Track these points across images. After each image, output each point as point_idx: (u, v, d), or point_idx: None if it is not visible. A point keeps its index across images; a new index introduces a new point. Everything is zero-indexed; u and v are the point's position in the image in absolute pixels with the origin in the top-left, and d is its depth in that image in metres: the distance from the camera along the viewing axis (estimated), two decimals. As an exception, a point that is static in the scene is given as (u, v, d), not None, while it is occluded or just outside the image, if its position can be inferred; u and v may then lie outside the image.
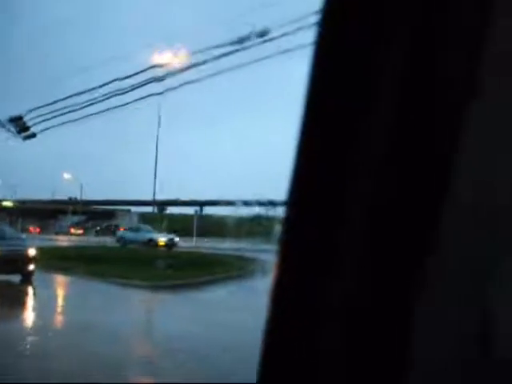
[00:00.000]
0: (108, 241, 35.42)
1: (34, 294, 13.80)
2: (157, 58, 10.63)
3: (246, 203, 40.44)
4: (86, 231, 56.27)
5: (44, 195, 69.63)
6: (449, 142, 0.59)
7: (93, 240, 38.48)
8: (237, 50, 6.65)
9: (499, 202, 0.60)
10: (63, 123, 9.17)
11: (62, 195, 69.01)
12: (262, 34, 6.60)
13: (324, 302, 0.64)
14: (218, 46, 6.92)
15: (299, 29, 6.09)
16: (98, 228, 57.41)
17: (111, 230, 54.38)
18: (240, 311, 10.53)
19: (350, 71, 0.62)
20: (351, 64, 0.62)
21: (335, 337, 0.64)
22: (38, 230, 56.25)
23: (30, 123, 9.66)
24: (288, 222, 0.67)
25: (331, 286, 0.63)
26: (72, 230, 57.60)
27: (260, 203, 42.07)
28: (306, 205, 0.66)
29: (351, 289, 0.63)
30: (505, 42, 0.58)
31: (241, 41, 6.56)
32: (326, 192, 0.64)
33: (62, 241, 35.62)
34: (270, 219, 43.38)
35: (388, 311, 0.62)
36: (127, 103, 8.26)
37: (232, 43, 6.74)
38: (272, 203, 42.44)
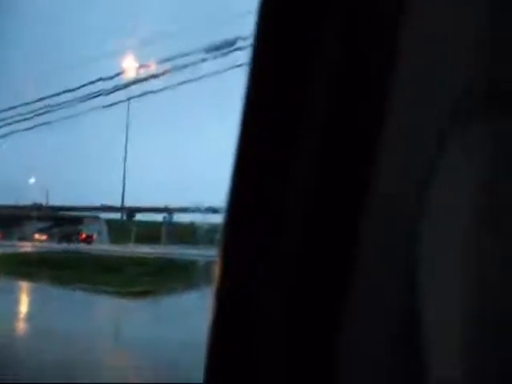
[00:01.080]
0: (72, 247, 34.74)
1: (6, 302, 13.50)
2: (125, 64, 10.61)
3: (215, 210, 40.14)
4: (52, 237, 55.15)
5: (8, 200, 67.56)
6: (371, 137, 0.61)
7: (56, 246, 37.68)
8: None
9: (421, 195, 0.60)
10: (27, 129, 9.08)
11: (26, 201, 67.10)
12: (232, 43, 6.70)
13: (263, 306, 0.66)
14: (186, 54, 6.99)
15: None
16: (61, 235, 56.48)
17: (75, 236, 53.80)
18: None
19: (284, 72, 0.64)
20: (285, 64, 0.64)
21: (275, 343, 0.65)
22: (0, 235, 54.66)
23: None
24: (227, 228, 0.68)
25: (271, 290, 0.65)
26: (36, 236, 56.32)
27: (199, 210, 41.68)
28: (244, 211, 0.67)
29: (289, 294, 0.65)
30: (421, 27, 0.60)
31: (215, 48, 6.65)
32: (263, 197, 0.65)
33: (26, 246, 34.72)
34: (208, 225, 42.99)
35: (317, 314, 0.64)
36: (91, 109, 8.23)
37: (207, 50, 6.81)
38: (211, 210, 41.92)
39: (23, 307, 13.18)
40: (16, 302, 13.65)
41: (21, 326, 9.95)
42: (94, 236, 54.06)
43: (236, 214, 0.67)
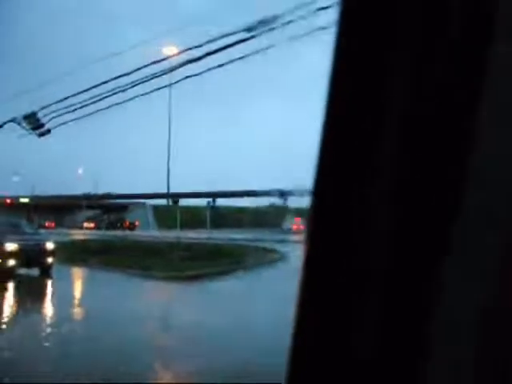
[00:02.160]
0: (119, 234, 35.97)
1: (59, 287, 14.06)
2: (170, 49, 10.71)
3: (260, 193, 40.57)
4: (100, 225, 57.29)
5: (60, 191, 70.44)
6: (463, 138, 0.59)
7: (104, 233, 39.10)
8: (252, 37, 6.63)
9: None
10: (76, 119, 9.32)
11: (77, 190, 69.76)
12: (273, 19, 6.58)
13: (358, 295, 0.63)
14: (231, 34, 6.93)
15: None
16: (109, 222, 58.80)
17: (119, 224, 55.99)
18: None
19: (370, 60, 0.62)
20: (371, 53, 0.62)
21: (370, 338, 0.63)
22: (52, 224, 57.39)
23: (44, 120, 9.84)
24: (313, 212, 0.66)
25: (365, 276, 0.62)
26: (85, 224, 59.12)
27: (272, 193, 42.16)
28: (330, 195, 0.65)
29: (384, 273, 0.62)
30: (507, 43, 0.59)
31: (255, 27, 6.55)
32: (350, 182, 0.63)
33: (76, 234, 36.09)
34: (282, 209, 43.48)
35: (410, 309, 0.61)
36: (141, 94, 8.34)
37: (247, 29, 6.72)
38: (284, 193, 42.56)
39: (79, 292, 13.67)
40: (73, 287, 14.20)
41: (79, 310, 10.35)
42: (137, 223, 56.04)
43: (322, 199, 0.66)
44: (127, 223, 56.19)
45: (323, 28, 5.92)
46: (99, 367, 5.99)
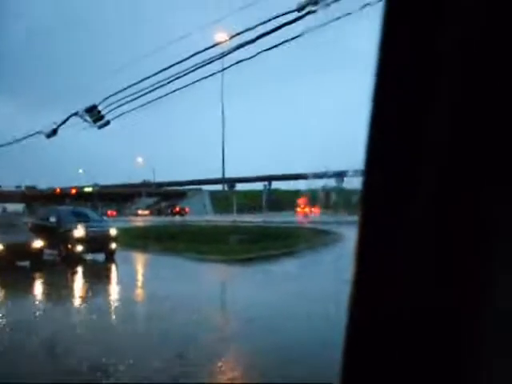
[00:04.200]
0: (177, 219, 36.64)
1: (124, 270, 14.68)
2: (222, 34, 10.83)
3: (315, 176, 40.25)
4: (154, 212, 58.99)
5: (121, 180, 72.95)
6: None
7: (161, 219, 40.14)
8: (308, 13, 6.61)
9: None
10: (133, 109, 9.61)
11: (137, 179, 72.00)
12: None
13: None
14: (285, 13, 6.91)
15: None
16: (160, 208, 60.42)
17: (171, 210, 57.25)
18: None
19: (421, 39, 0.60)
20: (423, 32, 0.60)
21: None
22: (114, 213, 59.72)
23: (103, 112, 10.25)
24: (366, 194, 0.65)
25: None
26: (139, 212, 61.22)
27: (327, 175, 41.64)
28: (382, 175, 0.63)
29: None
30: None
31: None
32: (400, 162, 0.61)
33: (135, 221, 37.29)
34: (339, 190, 42.90)
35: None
36: (194, 81, 8.50)
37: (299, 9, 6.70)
38: (339, 174, 41.82)
39: (143, 275, 14.25)
40: (136, 270, 14.80)
41: (142, 292, 10.83)
42: (187, 209, 57.08)
43: (374, 180, 0.64)
44: (177, 209, 57.38)
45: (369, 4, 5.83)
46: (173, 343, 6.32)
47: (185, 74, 8.23)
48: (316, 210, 44.42)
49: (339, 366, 0.65)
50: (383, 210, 0.62)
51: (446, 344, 0.60)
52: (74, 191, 61.94)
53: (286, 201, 53.66)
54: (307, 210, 45.81)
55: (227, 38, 8.52)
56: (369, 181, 0.63)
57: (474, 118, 0.58)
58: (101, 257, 15.81)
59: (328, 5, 6.38)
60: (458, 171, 0.59)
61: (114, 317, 8.24)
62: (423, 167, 0.60)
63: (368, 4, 5.49)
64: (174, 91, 8.86)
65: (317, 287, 10.17)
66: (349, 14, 6.25)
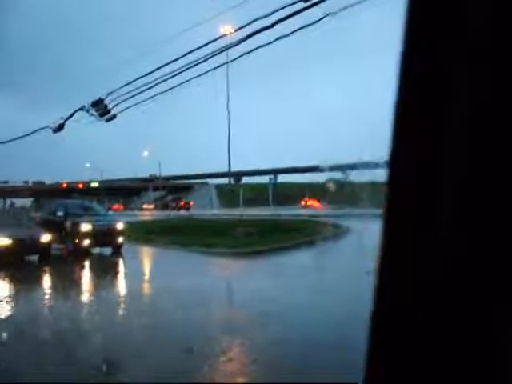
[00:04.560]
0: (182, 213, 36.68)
1: (136, 264, 14.73)
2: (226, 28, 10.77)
3: (319, 169, 40.21)
4: (165, 206, 59.11)
5: (127, 174, 73.11)
6: None
7: (166, 214, 40.23)
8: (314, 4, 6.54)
9: None
10: (138, 103, 9.61)
11: (143, 173, 72.15)
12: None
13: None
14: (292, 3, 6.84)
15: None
16: (165, 203, 60.62)
17: (176, 204, 57.27)
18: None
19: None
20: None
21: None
22: (120, 207, 60.02)
23: (109, 106, 10.26)
24: (392, 188, 0.63)
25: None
26: (144, 206, 61.47)
27: (331, 168, 41.56)
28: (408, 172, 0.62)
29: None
30: None
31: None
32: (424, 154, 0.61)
33: (141, 216, 37.37)
34: (344, 184, 42.90)
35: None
36: (204, 72, 8.47)
37: None
38: (342, 167, 41.75)
39: (150, 269, 14.28)
40: (143, 264, 14.84)
41: (149, 285, 10.87)
42: (191, 203, 57.17)
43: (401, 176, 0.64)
44: (182, 203, 57.49)
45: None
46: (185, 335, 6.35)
47: (195, 65, 8.20)
48: (322, 204, 44.54)
49: (363, 365, 0.64)
50: (409, 204, 0.62)
51: (474, 342, 0.58)
52: (81, 186, 62.21)
53: (293, 194, 53.65)
54: (314, 203, 45.91)
55: (238, 28, 8.41)
56: (394, 174, 0.63)
57: (499, 109, 0.57)
58: (108, 251, 15.90)
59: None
60: (486, 165, 0.57)
61: (122, 311, 8.26)
62: (450, 161, 0.59)
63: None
64: (183, 83, 8.83)
65: (328, 280, 10.20)
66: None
